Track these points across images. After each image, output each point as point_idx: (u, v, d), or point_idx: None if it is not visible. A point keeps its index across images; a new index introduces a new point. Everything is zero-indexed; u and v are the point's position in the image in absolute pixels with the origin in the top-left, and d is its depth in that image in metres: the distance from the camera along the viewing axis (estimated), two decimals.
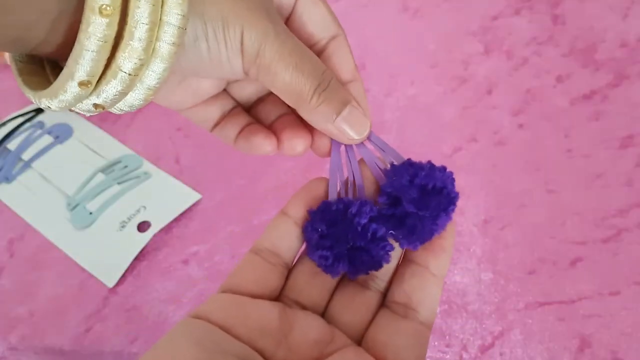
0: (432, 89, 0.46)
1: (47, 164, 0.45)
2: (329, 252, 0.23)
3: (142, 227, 0.41)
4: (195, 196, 0.42)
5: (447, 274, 0.37)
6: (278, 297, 0.24)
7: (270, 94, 0.26)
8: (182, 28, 0.17)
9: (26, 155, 0.46)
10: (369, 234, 0.23)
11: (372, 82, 0.47)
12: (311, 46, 0.24)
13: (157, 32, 0.17)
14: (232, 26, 0.19)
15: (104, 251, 0.40)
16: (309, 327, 0.22)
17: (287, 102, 0.22)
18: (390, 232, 0.23)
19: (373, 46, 0.50)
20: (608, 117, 0.42)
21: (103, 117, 0.49)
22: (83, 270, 0.40)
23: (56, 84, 0.17)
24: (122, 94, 0.18)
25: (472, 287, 0.36)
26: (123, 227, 0.41)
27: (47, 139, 0.47)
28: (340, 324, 0.23)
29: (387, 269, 0.24)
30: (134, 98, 0.19)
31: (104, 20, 0.16)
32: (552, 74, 0.45)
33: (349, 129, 0.22)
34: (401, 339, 0.22)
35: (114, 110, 0.19)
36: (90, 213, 0.42)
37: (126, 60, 0.17)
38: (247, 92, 0.26)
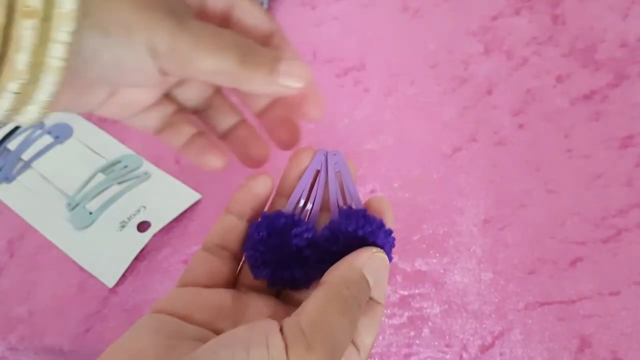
0: (432, 89, 0.46)
1: (47, 164, 0.45)
2: (260, 255, 0.24)
3: (142, 227, 0.41)
4: (195, 196, 0.42)
5: (447, 273, 0.37)
6: (233, 287, 0.25)
7: (217, 98, 0.27)
8: (69, 44, 0.17)
9: (26, 155, 0.46)
10: (301, 258, 0.24)
11: (372, 82, 0.47)
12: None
13: (45, 49, 0.17)
14: (137, 33, 0.19)
15: (104, 251, 0.40)
16: (263, 306, 0.23)
17: (221, 84, 0.22)
18: (319, 265, 0.24)
19: (373, 46, 0.50)
20: (608, 117, 0.42)
21: (103, 117, 0.48)
22: (83, 270, 0.40)
23: None
24: (13, 110, 0.18)
25: (472, 287, 0.36)
26: (123, 227, 0.41)
27: (47, 139, 0.47)
28: (296, 304, 0.24)
29: None
30: (30, 112, 0.18)
31: None
32: (552, 74, 0.45)
33: (292, 81, 0.22)
34: None
35: (17, 123, 0.19)
36: (90, 213, 0.42)
37: (10, 82, 0.17)
38: (189, 95, 0.26)
